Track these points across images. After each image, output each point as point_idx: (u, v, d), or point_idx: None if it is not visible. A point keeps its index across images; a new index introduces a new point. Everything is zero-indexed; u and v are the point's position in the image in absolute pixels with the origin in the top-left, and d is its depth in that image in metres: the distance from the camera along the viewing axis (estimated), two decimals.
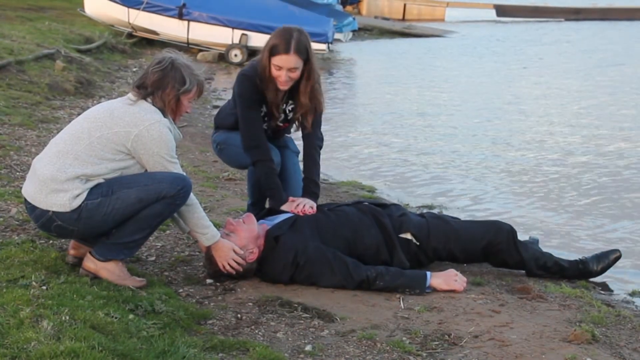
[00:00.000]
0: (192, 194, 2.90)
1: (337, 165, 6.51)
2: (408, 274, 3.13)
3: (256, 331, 2.70)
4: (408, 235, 3.29)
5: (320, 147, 3.56)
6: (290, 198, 3.44)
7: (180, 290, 3.06)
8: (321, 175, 5.82)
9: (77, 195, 2.74)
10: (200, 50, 12.52)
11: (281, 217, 3.29)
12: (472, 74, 12.24)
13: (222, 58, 11.98)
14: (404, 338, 2.67)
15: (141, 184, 2.80)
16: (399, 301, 3.02)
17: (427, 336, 2.69)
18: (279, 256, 3.09)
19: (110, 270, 2.91)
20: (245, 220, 3.14)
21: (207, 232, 2.98)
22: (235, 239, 3.08)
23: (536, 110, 9.11)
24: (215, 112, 7.80)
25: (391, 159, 6.76)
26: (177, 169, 2.86)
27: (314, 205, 3.39)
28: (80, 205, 2.74)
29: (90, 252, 2.93)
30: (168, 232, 3.82)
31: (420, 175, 6.14)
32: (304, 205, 3.35)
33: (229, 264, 3.04)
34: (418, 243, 3.30)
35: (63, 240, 3.29)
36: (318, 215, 3.27)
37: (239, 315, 2.82)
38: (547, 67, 12.99)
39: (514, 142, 7.37)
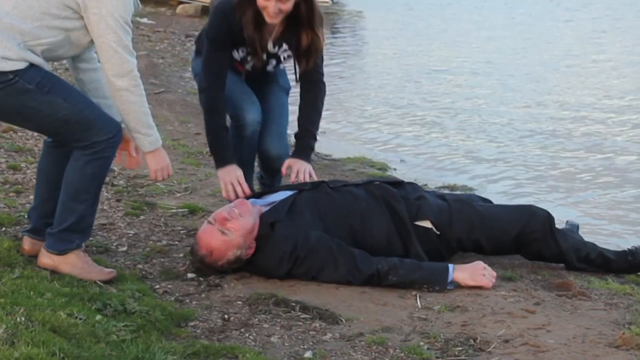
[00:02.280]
0: (139, 79, 2.84)
1: (341, 139, 6.50)
2: (426, 267, 3.12)
3: (246, 335, 2.69)
4: (427, 224, 3.28)
5: (324, 87, 3.54)
6: (287, 161, 3.45)
7: (157, 286, 3.06)
8: (323, 151, 5.90)
9: (9, 59, 2.68)
10: (181, 3, 12.44)
11: (277, 196, 3.28)
12: (503, 28, 12.16)
13: (206, 12, 11.91)
14: (422, 343, 2.66)
15: (78, 105, 2.79)
16: (415, 299, 3.02)
17: (449, 341, 2.68)
18: (275, 247, 3.09)
19: (71, 264, 2.91)
20: (241, 212, 3.12)
21: (151, 133, 2.91)
22: (234, 237, 3.07)
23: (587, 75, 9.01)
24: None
25: (406, 132, 6.75)
26: (128, 41, 2.79)
27: (312, 171, 3.42)
28: (7, 72, 2.68)
29: (43, 247, 2.94)
30: (142, 217, 3.83)
31: (442, 151, 6.13)
32: (303, 174, 3.37)
33: (159, 175, 3.00)
34: (438, 232, 3.28)
35: (17, 227, 3.27)
36: (320, 196, 3.25)
37: (226, 316, 2.81)
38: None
39: (556, 113, 7.35)
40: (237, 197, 3.36)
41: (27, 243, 3.05)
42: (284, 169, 3.52)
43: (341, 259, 3.07)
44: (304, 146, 3.50)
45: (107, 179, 4.41)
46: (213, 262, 3.10)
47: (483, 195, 3.97)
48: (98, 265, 3.00)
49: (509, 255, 3.47)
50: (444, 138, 6.46)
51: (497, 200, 3.92)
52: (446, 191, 4.65)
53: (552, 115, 7.29)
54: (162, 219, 3.83)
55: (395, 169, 5.61)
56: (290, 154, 3.56)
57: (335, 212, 3.20)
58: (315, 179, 3.44)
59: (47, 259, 2.93)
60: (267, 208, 3.21)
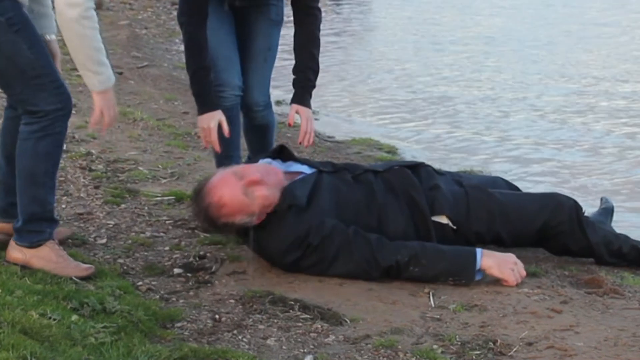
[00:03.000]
0: (93, 13, 2.82)
1: (346, 119, 6.48)
2: (451, 255, 3.11)
3: (240, 337, 2.68)
4: (443, 219, 3.27)
5: (319, 14, 3.60)
6: (293, 107, 3.53)
7: (140, 283, 3.06)
8: (326, 132, 5.90)
9: None
10: None
11: (299, 167, 3.29)
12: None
13: None
14: (435, 346, 2.65)
15: (40, 60, 2.81)
16: (428, 297, 3.01)
17: (466, 343, 2.67)
18: (286, 231, 3.10)
19: (45, 257, 2.92)
20: (273, 182, 3.12)
21: (102, 71, 2.88)
22: (253, 203, 3.07)
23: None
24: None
25: (419, 110, 6.73)
26: None
27: (313, 129, 3.53)
28: None
29: (12, 240, 2.95)
30: (123, 206, 3.83)
31: (457, 131, 6.11)
32: (308, 135, 3.50)
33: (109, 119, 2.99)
34: (455, 227, 3.28)
35: None
36: (341, 185, 3.26)
37: (217, 316, 2.81)
38: None
39: (585, 91, 7.34)
40: (220, 144, 3.44)
41: None
42: (292, 115, 3.57)
43: (357, 248, 3.08)
44: (305, 85, 3.57)
45: (84, 162, 4.42)
46: (217, 216, 3.10)
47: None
48: (74, 260, 2.99)
49: (532, 248, 3.47)
50: (459, 116, 6.44)
51: (521, 185, 3.91)
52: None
53: (580, 90, 7.28)
54: (146, 208, 3.82)
55: (404, 152, 5.59)
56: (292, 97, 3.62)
57: (353, 207, 3.21)
58: (312, 140, 3.53)
59: (17, 252, 2.93)
60: (290, 181, 3.21)
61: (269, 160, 3.35)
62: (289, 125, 3.64)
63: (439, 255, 3.10)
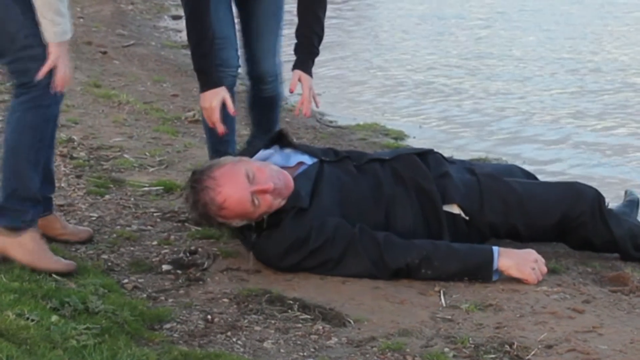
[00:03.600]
0: None
1: (350, 102, 6.48)
2: (465, 255, 3.11)
3: (234, 339, 2.68)
4: (454, 208, 3.27)
5: None
6: (295, 73, 3.55)
7: (125, 280, 3.06)
8: (327, 117, 5.89)
9: None
10: None
11: (299, 159, 3.27)
12: None
13: None
14: (447, 349, 2.65)
15: (32, 28, 2.83)
16: (439, 296, 3.01)
17: (480, 346, 2.67)
18: (284, 233, 3.09)
19: (23, 247, 2.92)
20: (284, 194, 3.10)
21: (60, 22, 2.88)
22: (257, 210, 3.07)
23: None
24: (174, 24, 7.74)
25: (430, 90, 6.71)
26: None
27: (316, 96, 3.54)
28: None
29: None
30: (107, 197, 3.83)
31: (470, 116, 6.10)
32: (308, 104, 3.52)
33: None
34: (467, 218, 3.27)
35: None
36: (344, 178, 3.25)
37: (209, 317, 2.81)
38: None
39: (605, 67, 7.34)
40: (224, 126, 3.43)
41: None
42: (293, 83, 3.57)
43: (364, 249, 3.08)
44: (309, 51, 3.59)
45: (65, 150, 4.41)
46: (215, 215, 3.08)
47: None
48: (55, 255, 2.99)
49: (550, 241, 3.48)
50: (471, 99, 6.44)
51: (538, 174, 3.90)
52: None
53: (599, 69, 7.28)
54: (132, 199, 3.82)
55: (414, 137, 5.59)
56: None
57: (358, 202, 3.21)
58: (319, 104, 3.54)
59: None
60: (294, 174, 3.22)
61: (270, 151, 3.33)
62: (290, 91, 3.62)
63: (452, 256, 3.10)
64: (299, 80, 3.56)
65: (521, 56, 7.82)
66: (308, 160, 3.30)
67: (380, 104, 6.47)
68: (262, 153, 3.33)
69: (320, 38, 3.61)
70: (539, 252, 3.22)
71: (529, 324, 2.81)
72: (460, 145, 5.38)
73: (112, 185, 3.95)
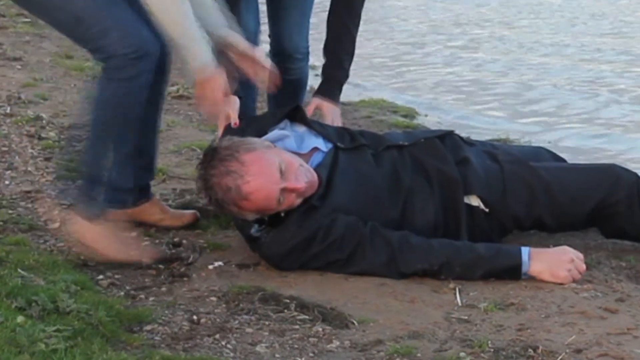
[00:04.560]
0: None
1: (354, 75, 6.44)
2: (491, 261, 3.09)
3: (223, 342, 2.68)
4: (473, 200, 3.27)
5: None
6: (314, 101, 3.60)
7: (100, 276, 3.06)
8: None
9: None
10: None
11: (314, 144, 3.28)
12: None
13: None
14: (463, 353, 2.64)
15: (97, 1, 2.97)
16: (454, 293, 3.02)
17: (500, 350, 2.66)
18: (289, 232, 3.10)
19: (97, 234, 3.05)
20: (307, 188, 3.10)
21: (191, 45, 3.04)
22: (279, 208, 3.08)
23: None
24: None
25: (443, 61, 6.70)
26: None
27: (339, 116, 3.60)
28: None
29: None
30: (81, 182, 3.79)
31: (492, 89, 6.09)
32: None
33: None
34: (487, 210, 3.27)
35: None
36: (361, 167, 3.24)
37: (195, 318, 2.81)
38: None
39: None
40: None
41: None
42: (310, 110, 3.59)
43: (374, 251, 3.09)
44: (332, 80, 3.63)
45: (33, 129, 4.40)
46: (233, 201, 3.05)
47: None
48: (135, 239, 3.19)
49: (581, 229, 3.48)
50: (489, 72, 6.43)
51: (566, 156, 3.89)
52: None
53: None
54: None
55: (426, 115, 5.58)
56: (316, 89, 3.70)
57: (373, 196, 3.20)
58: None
59: (73, 224, 3.10)
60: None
61: (284, 132, 3.29)
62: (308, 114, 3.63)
63: (476, 263, 3.08)
64: (319, 108, 3.57)
65: (550, 30, 7.82)
66: (322, 145, 3.29)
67: (389, 77, 6.46)
68: (276, 133, 3.29)
69: (351, 58, 3.62)
70: (566, 244, 3.22)
71: (555, 325, 2.80)
72: (479, 126, 5.36)
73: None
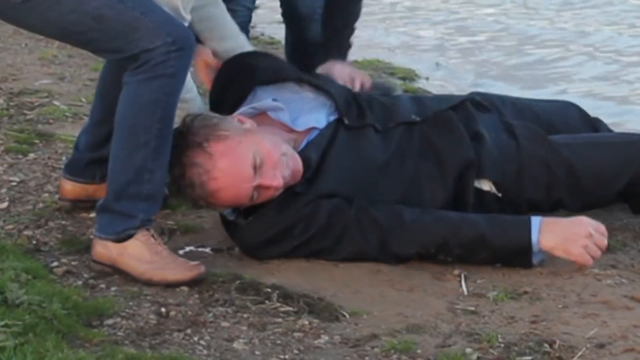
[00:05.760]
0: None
1: None
2: (495, 238, 3.09)
3: (195, 338, 2.68)
4: (485, 184, 3.27)
5: None
6: (326, 65, 3.63)
7: (55, 263, 3.07)
8: None
9: None
10: None
11: (311, 124, 3.26)
12: None
13: None
14: (469, 349, 2.65)
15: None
16: (459, 281, 3.03)
17: (511, 346, 2.67)
18: (272, 216, 3.12)
19: (136, 255, 2.96)
20: (286, 180, 3.10)
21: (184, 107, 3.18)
22: (254, 201, 3.09)
23: None
24: None
25: (444, 19, 6.71)
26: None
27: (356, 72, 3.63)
28: None
29: (95, 234, 3.03)
30: (32, 156, 3.85)
31: (499, 49, 6.10)
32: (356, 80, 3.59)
33: None
34: (500, 194, 3.27)
35: None
36: (359, 152, 3.23)
37: (163, 310, 2.82)
38: None
39: None
40: None
41: (68, 185, 3.38)
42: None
43: (363, 236, 3.10)
44: (339, 42, 3.70)
45: None
46: (200, 197, 3.07)
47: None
48: (178, 257, 3.02)
49: (606, 206, 3.49)
50: (504, 37, 6.45)
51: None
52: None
53: None
54: (64, 159, 3.82)
55: (427, 78, 5.58)
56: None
57: (371, 183, 3.20)
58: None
59: (101, 248, 3.01)
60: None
61: (277, 105, 3.27)
62: None
63: (478, 242, 3.08)
64: (329, 72, 3.57)
65: None
66: (324, 119, 3.27)
67: (386, 36, 6.46)
68: (270, 103, 3.27)
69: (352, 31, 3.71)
70: None
71: (574, 316, 2.81)
72: (488, 90, 5.36)
73: (37, 141, 3.96)
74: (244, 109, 3.26)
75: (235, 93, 3.35)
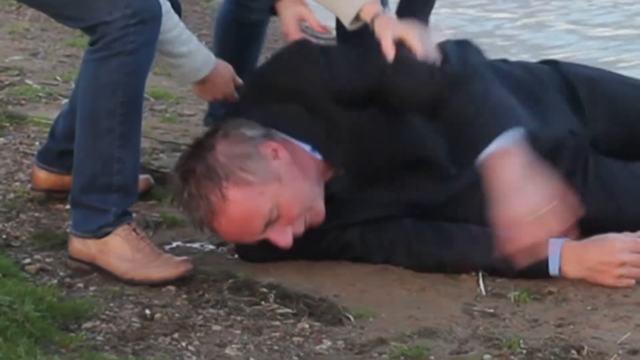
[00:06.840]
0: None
1: None
2: (506, 270, 3.04)
3: (183, 343, 2.69)
4: None
5: None
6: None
7: (27, 260, 3.08)
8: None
9: None
10: None
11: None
12: None
13: None
14: (487, 355, 2.65)
15: None
16: (477, 280, 3.04)
17: (535, 352, 2.67)
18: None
19: (116, 252, 2.96)
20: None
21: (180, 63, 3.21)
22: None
23: None
24: None
25: None
26: None
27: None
28: None
29: (70, 230, 3.04)
30: (1, 140, 3.87)
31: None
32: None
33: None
34: None
35: None
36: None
37: (147, 312, 2.82)
38: None
39: None
40: None
41: (41, 173, 3.39)
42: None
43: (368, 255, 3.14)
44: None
45: None
46: (201, 223, 3.02)
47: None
48: (163, 252, 3.03)
49: None
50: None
51: None
52: None
53: None
54: (37, 144, 3.84)
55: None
56: None
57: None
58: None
59: (79, 244, 3.02)
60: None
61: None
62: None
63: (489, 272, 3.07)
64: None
65: None
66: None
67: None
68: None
69: None
70: None
71: (604, 320, 2.81)
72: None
73: (8, 124, 3.98)
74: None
75: None
